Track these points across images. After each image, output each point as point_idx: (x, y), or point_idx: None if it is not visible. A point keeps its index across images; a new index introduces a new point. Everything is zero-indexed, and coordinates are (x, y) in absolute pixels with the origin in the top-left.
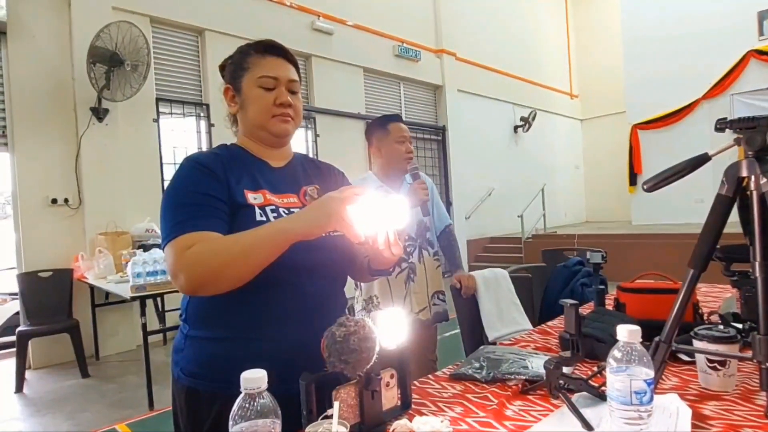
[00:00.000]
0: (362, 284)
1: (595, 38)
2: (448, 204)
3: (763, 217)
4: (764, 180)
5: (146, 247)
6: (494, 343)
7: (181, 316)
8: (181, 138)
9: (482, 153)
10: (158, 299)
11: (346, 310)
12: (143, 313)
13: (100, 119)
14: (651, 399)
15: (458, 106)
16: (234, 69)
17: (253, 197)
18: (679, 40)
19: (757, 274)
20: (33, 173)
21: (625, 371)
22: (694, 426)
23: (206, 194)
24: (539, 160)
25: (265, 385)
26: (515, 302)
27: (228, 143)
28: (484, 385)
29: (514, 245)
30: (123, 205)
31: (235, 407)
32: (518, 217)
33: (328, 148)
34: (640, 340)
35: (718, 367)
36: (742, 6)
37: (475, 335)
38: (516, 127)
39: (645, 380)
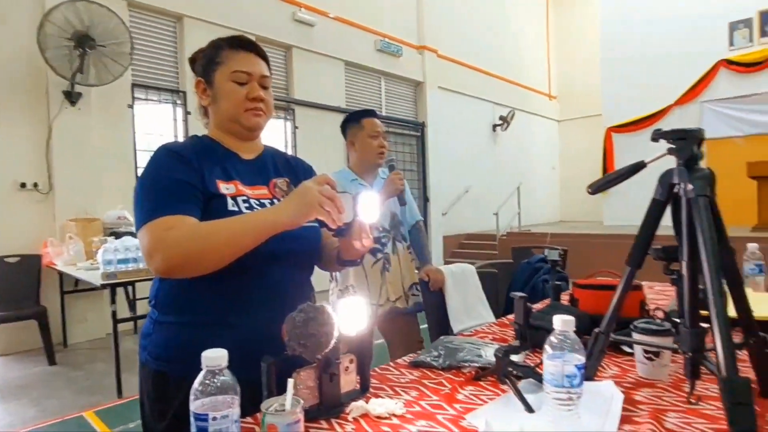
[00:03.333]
0: (337, 275)
1: (575, 41)
2: (425, 200)
3: (689, 220)
4: (690, 187)
5: (118, 235)
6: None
7: (150, 302)
8: (157, 125)
9: (461, 150)
10: (129, 287)
11: (312, 298)
12: (113, 301)
13: (72, 103)
14: (581, 382)
15: (438, 102)
16: (206, 62)
17: (225, 187)
18: (654, 47)
19: (684, 272)
20: (2, 156)
21: (560, 358)
22: (624, 410)
23: (182, 180)
24: (516, 159)
25: (225, 363)
26: (481, 297)
27: (199, 135)
28: (440, 372)
29: (489, 242)
30: (95, 192)
31: (195, 383)
32: (494, 214)
33: (306, 141)
34: (574, 329)
35: (653, 357)
36: (715, 16)
37: (441, 327)
38: (495, 126)
39: (576, 365)
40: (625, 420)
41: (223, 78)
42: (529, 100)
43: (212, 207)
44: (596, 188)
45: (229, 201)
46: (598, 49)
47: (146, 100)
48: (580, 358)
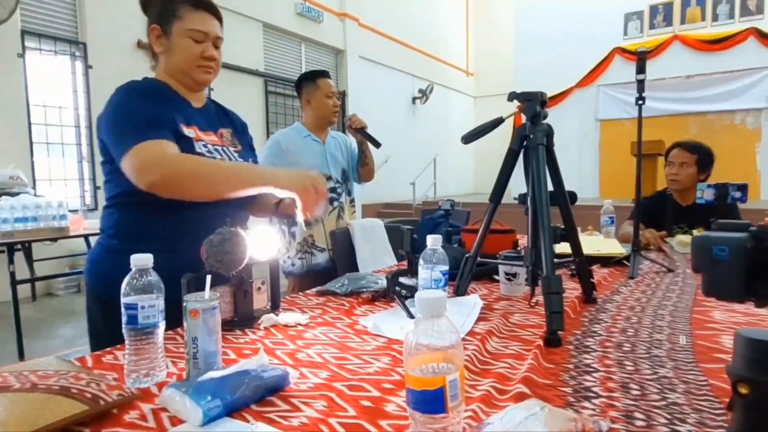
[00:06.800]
0: (295, 231)
1: (492, 21)
2: None
3: (533, 164)
4: (532, 136)
5: (11, 195)
6: None
7: (105, 231)
8: (53, 78)
9: (380, 121)
10: (27, 250)
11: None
12: (11, 261)
13: None
14: (445, 285)
15: (359, 72)
16: (163, 13)
17: (187, 131)
18: (561, 32)
19: (529, 204)
20: None
21: (431, 268)
22: (483, 314)
23: (156, 112)
24: (434, 132)
25: (151, 263)
26: (387, 248)
27: (150, 77)
28: (343, 297)
29: (406, 211)
30: None
31: (124, 283)
32: (411, 184)
33: (222, 103)
34: (441, 245)
35: (512, 278)
36: (613, 6)
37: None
38: (414, 99)
39: (441, 272)
40: (482, 319)
41: (180, 32)
42: (448, 76)
43: (181, 147)
44: (467, 138)
45: (195, 143)
46: (514, 30)
47: (39, 49)
48: (445, 268)
